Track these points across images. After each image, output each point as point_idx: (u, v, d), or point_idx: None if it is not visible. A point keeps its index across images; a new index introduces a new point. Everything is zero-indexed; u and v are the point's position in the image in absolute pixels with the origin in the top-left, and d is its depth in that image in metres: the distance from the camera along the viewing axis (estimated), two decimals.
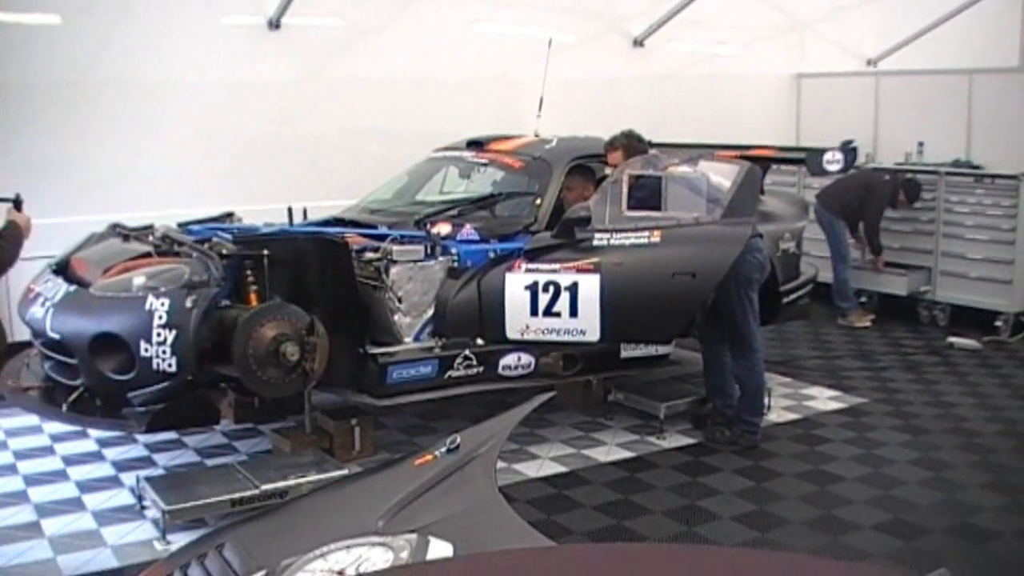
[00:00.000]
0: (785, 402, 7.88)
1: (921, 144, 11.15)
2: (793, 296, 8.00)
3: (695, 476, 6.45)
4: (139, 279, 5.82)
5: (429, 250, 6.52)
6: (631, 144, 7.05)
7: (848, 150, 7.43)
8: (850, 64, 13.40)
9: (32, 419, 7.11)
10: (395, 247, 6.44)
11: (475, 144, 8.00)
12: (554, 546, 2.85)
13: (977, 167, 10.56)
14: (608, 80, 11.44)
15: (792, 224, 8.16)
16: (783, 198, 8.80)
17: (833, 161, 7.35)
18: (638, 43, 11.78)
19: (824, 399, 8.01)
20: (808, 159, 7.59)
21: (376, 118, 10.07)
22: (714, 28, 12.24)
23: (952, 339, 9.70)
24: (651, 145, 7.29)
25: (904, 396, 8.08)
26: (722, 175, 6.89)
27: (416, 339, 6.47)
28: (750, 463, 6.67)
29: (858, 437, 7.17)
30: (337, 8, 9.88)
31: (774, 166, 8.53)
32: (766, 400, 7.33)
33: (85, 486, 6.27)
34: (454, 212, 7.15)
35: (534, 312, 6.41)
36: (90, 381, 5.87)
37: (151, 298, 5.61)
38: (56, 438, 7.04)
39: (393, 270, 6.36)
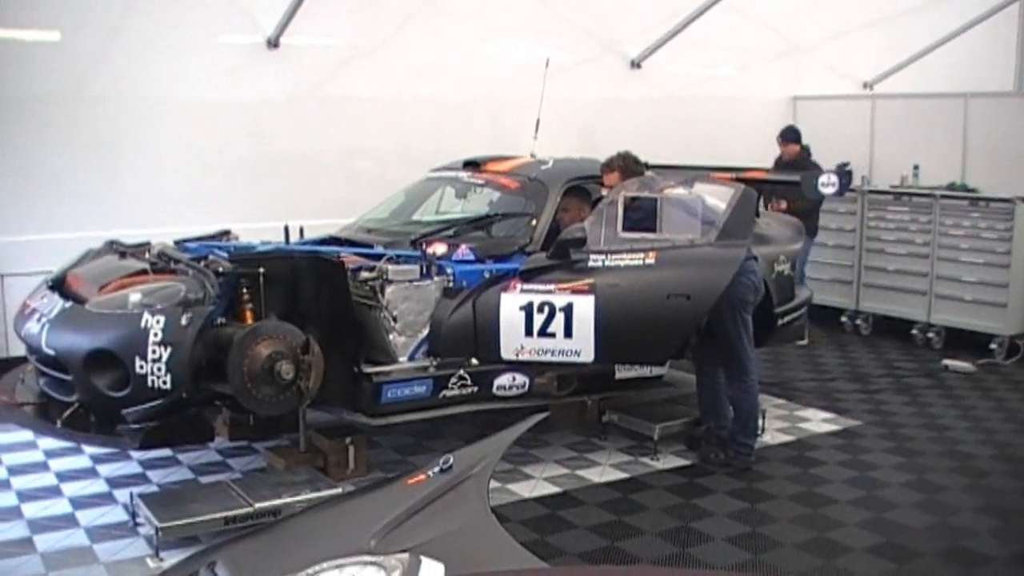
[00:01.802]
0: (779, 424, 7.88)
1: (917, 167, 11.20)
2: (788, 318, 8.01)
3: (689, 497, 6.46)
4: (135, 296, 5.83)
5: (425, 270, 6.53)
6: (627, 166, 7.08)
7: (843, 173, 7.43)
8: (846, 87, 13.48)
9: (26, 434, 7.11)
10: (391, 267, 6.44)
11: (472, 164, 8.02)
12: (546, 567, 2.85)
13: (972, 190, 10.60)
14: (605, 101, 11.48)
15: (787, 246, 8.17)
16: (778, 220, 8.82)
17: (828, 184, 7.37)
18: (635, 65, 11.84)
19: (818, 421, 8.02)
20: (803, 182, 7.61)
21: (373, 137, 10.10)
22: (711, 50, 12.29)
23: (947, 362, 9.71)
24: (647, 167, 7.31)
25: (898, 419, 8.09)
26: (717, 197, 6.92)
27: (411, 358, 6.47)
28: (744, 485, 6.67)
29: (852, 459, 7.17)
30: (335, 28, 9.92)
31: (769, 188, 8.56)
32: (760, 422, 7.34)
33: (79, 502, 6.27)
34: (450, 232, 7.15)
35: (529, 332, 6.43)
36: (85, 397, 5.86)
37: (147, 315, 5.61)
38: (50, 454, 7.03)
39: (388, 289, 6.37)
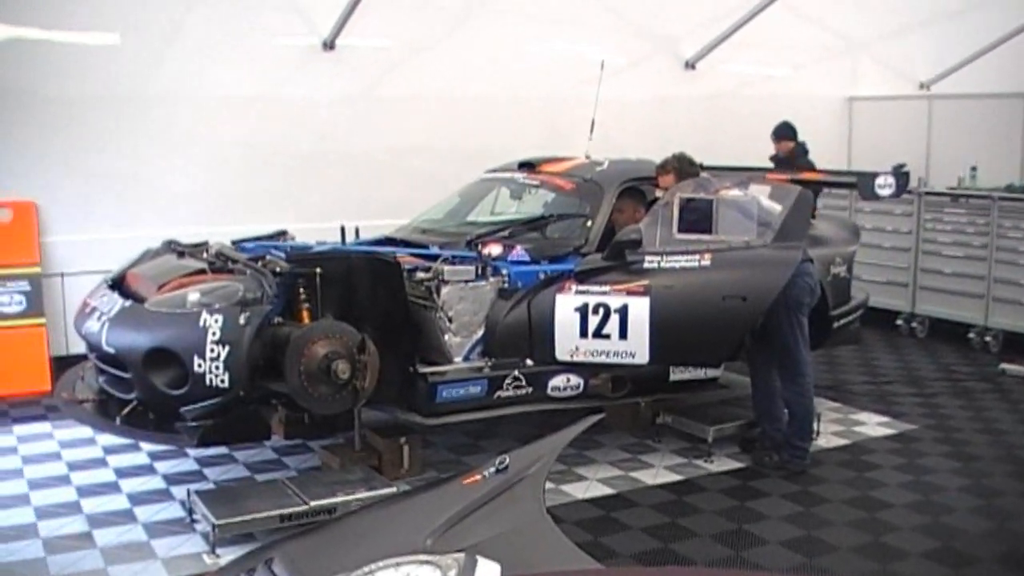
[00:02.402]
0: (834, 427, 7.83)
1: (974, 168, 11.08)
2: (844, 321, 7.96)
3: (743, 500, 6.43)
4: (193, 295, 5.89)
5: (480, 271, 6.55)
6: (682, 167, 7.05)
7: (900, 174, 7.37)
8: (902, 87, 13.35)
9: (86, 431, 7.19)
10: (446, 267, 6.47)
11: (526, 165, 8.03)
12: (601, 568, 2.85)
13: None
14: (659, 102, 11.46)
15: (843, 248, 8.13)
16: (834, 222, 8.77)
17: (885, 185, 7.31)
18: (689, 65, 11.80)
19: (873, 425, 7.96)
20: (860, 183, 7.55)
21: (428, 137, 10.13)
22: (766, 50, 12.22)
23: (1004, 366, 9.60)
24: (702, 168, 7.29)
25: (955, 423, 8.02)
26: (773, 199, 6.89)
27: (466, 359, 6.49)
28: (798, 488, 6.64)
29: (908, 463, 7.12)
30: (390, 29, 9.96)
31: (825, 190, 8.50)
32: (815, 425, 7.29)
33: (136, 498, 6.34)
34: (505, 233, 7.16)
35: (583, 334, 6.43)
36: (143, 395, 5.93)
37: (205, 314, 5.66)
38: (109, 450, 7.12)
39: (444, 290, 6.40)
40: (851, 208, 11.26)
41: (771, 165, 9.54)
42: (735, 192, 6.90)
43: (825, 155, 10.65)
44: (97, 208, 8.79)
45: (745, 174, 7.42)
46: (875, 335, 10.66)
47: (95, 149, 8.75)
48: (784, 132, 10.07)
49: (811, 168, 9.17)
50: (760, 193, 6.94)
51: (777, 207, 6.80)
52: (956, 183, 11.08)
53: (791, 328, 6.81)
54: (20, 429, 7.59)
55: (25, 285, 8.43)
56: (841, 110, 13.02)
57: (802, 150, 9.92)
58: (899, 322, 11.10)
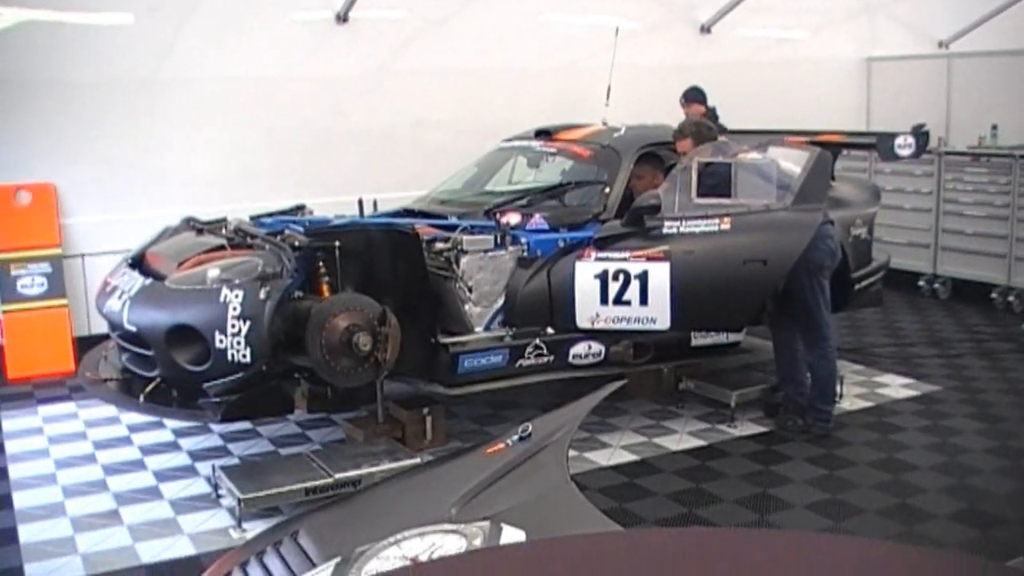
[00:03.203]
0: (857, 390, 7.81)
1: (995, 127, 10.98)
2: (865, 283, 7.93)
3: (767, 464, 6.43)
4: (213, 272, 5.90)
5: (499, 240, 6.55)
6: (700, 132, 7.02)
7: (920, 134, 7.32)
8: (921, 47, 13.22)
9: (110, 410, 7.24)
10: (465, 237, 6.47)
11: (543, 133, 8.00)
12: (627, 531, 2.85)
13: None
14: (676, 67, 11.37)
15: (863, 210, 8.08)
16: (854, 184, 8.71)
17: (905, 146, 7.27)
18: (705, 30, 11.73)
19: (897, 387, 7.93)
20: (879, 144, 7.50)
21: (444, 109, 10.11)
22: (782, 13, 12.13)
23: None
24: (722, 131, 7.24)
25: (979, 384, 7.98)
26: (792, 161, 6.85)
27: (487, 328, 6.49)
28: (822, 451, 6.63)
29: (932, 425, 7.09)
30: (403, 1, 9.92)
31: (844, 151, 8.45)
32: (838, 388, 7.28)
33: (162, 475, 6.37)
34: (523, 202, 7.14)
35: (604, 301, 6.42)
36: (166, 372, 5.96)
37: (225, 290, 5.68)
38: (133, 428, 7.15)
39: (463, 260, 6.40)
40: (871, 169, 11.19)
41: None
42: (753, 155, 6.87)
43: (844, 116, 10.63)
44: (116, 189, 8.82)
45: (764, 137, 7.37)
46: (897, 297, 10.61)
47: (112, 130, 8.76)
48: (694, 96, 9.71)
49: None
50: (779, 156, 6.90)
51: (796, 169, 6.77)
52: (977, 142, 10.99)
53: (812, 291, 6.78)
54: (45, 410, 7.63)
55: (47, 267, 8.48)
56: (859, 71, 12.93)
57: (712, 115, 9.51)
58: (921, 283, 11.04)
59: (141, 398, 6.08)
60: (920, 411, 7.38)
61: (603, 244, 6.52)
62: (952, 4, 13.22)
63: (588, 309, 6.46)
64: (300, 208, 7.57)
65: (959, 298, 10.72)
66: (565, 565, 2.05)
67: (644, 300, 6.37)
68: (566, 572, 2.01)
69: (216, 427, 6.94)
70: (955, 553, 4.91)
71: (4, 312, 8.39)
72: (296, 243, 6.02)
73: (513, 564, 2.13)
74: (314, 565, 2.78)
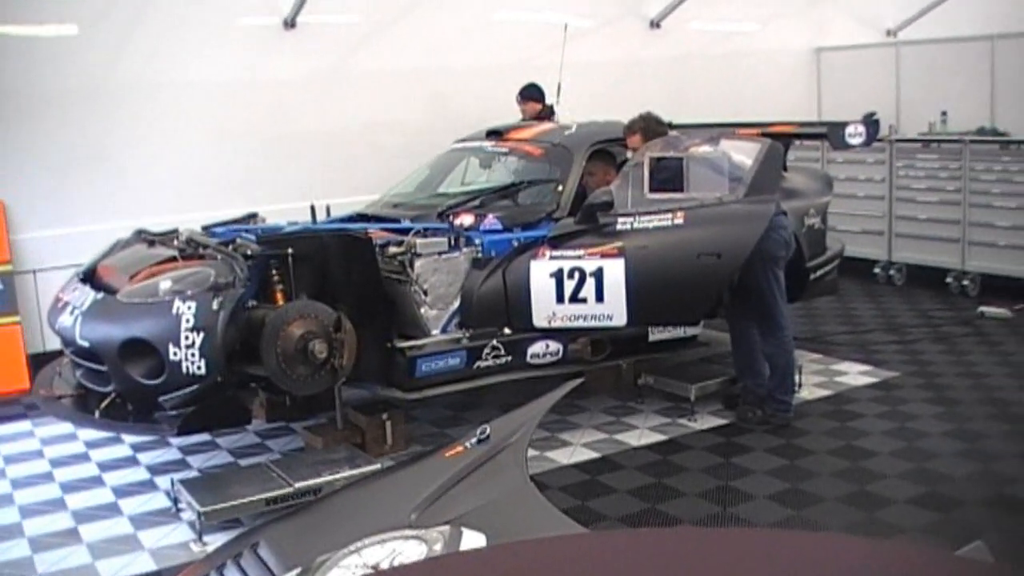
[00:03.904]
0: (816, 379, 7.84)
1: (944, 113, 11.10)
2: (820, 272, 7.96)
3: (728, 457, 6.44)
4: (165, 283, 5.85)
5: (453, 241, 6.52)
6: (649, 127, 7.02)
7: (870, 122, 7.37)
8: (869, 36, 13.33)
9: (66, 427, 7.15)
10: (419, 240, 6.44)
11: (495, 133, 8.00)
12: (588, 533, 2.84)
13: (1002, 134, 10.50)
14: (626, 63, 11.42)
15: (816, 200, 8.12)
16: (806, 174, 8.76)
17: (855, 135, 7.31)
18: (655, 24, 11.75)
19: (855, 374, 7.97)
20: (830, 133, 7.55)
21: (395, 111, 10.08)
22: (731, 5, 12.22)
23: (983, 309, 9.62)
24: (671, 126, 7.26)
25: (936, 368, 8.04)
26: (743, 153, 6.86)
27: (443, 331, 6.47)
28: (782, 442, 6.65)
29: (891, 411, 7.13)
30: (352, 4, 9.90)
31: (796, 142, 8.49)
32: (797, 378, 7.31)
33: (121, 491, 6.31)
34: (476, 202, 7.14)
35: (560, 299, 6.41)
36: (121, 387, 5.90)
37: (178, 302, 5.63)
38: (90, 444, 7.08)
39: (418, 263, 6.37)
40: (823, 159, 11.25)
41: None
42: (705, 148, 6.88)
43: (795, 107, 10.69)
44: (66, 202, 8.72)
45: (715, 130, 7.39)
46: (853, 285, 10.67)
47: (61, 143, 8.67)
48: (531, 94, 9.58)
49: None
50: (730, 148, 6.91)
51: (747, 161, 6.78)
52: (927, 129, 11.11)
53: (768, 282, 6.80)
54: (0, 428, 7.53)
55: None
56: (809, 61, 13.02)
57: (549, 111, 9.49)
58: (876, 270, 11.11)
59: (97, 414, 6.02)
60: (878, 397, 7.42)
61: (557, 242, 6.51)
62: None
63: (544, 308, 6.44)
64: (252, 216, 7.53)
65: (914, 284, 10.79)
66: (525, 570, 2.04)
67: (600, 297, 6.36)
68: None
69: (174, 440, 6.88)
70: (914, 542, 4.95)
71: None
72: (248, 252, 5.98)
73: (473, 570, 2.12)
74: None
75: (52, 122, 8.62)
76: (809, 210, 7.88)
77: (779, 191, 7.02)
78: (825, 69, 12.94)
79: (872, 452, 6.40)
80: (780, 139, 7.21)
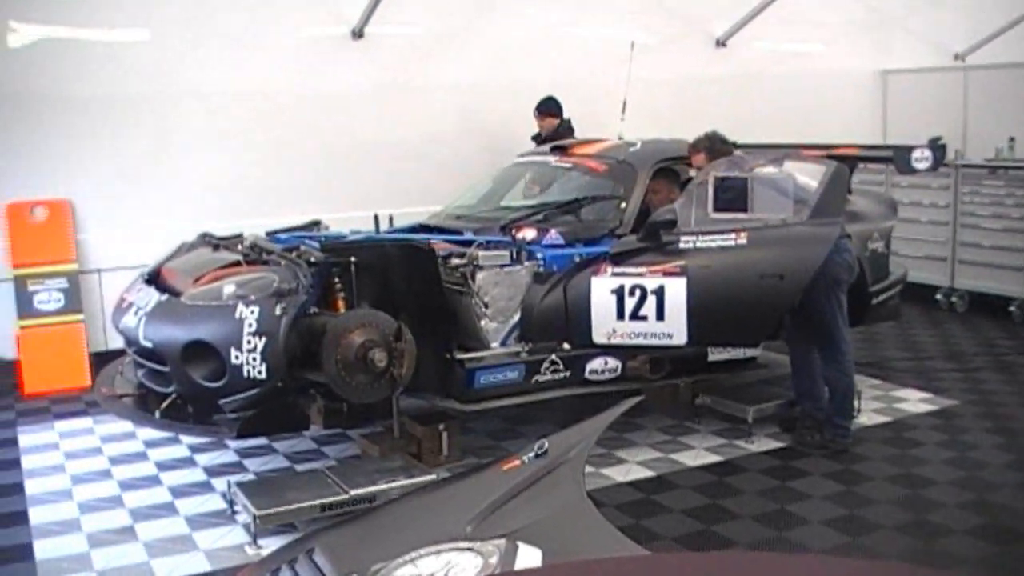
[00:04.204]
0: (875, 404, 7.77)
1: (1012, 139, 10.94)
2: (882, 297, 7.89)
3: (784, 480, 6.39)
4: (229, 287, 5.89)
5: (515, 255, 6.53)
6: (713, 146, 6.99)
7: (936, 147, 7.29)
8: (937, 59, 13.20)
9: (126, 425, 7.22)
10: (481, 252, 6.45)
11: (559, 148, 8.00)
12: (645, 553, 2.83)
13: None
14: (691, 81, 11.39)
15: (880, 224, 8.05)
16: (871, 197, 8.68)
17: (922, 159, 7.24)
18: (720, 43, 11.73)
19: (915, 401, 7.89)
20: (896, 157, 7.47)
21: (459, 124, 10.12)
22: (798, 26, 12.13)
23: None
24: (736, 146, 7.23)
25: (998, 398, 7.93)
26: (808, 175, 6.82)
27: (503, 344, 6.48)
28: (840, 467, 6.58)
29: (950, 440, 7.05)
30: (418, 16, 9.95)
31: (861, 165, 8.42)
32: (856, 403, 7.24)
33: (178, 491, 6.36)
34: (539, 217, 7.14)
35: (620, 316, 6.40)
36: (182, 388, 5.95)
37: (241, 306, 5.67)
38: (149, 444, 7.15)
39: (479, 275, 6.38)
40: (887, 183, 11.16)
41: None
42: (770, 169, 6.84)
43: (859, 129, 10.60)
44: (131, 204, 8.84)
45: (780, 151, 7.35)
46: (914, 310, 10.56)
47: (128, 146, 8.80)
48: (548, 108, 9.64)
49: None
50: (795, 170, 6.87)
51: (813, 183, 6.73)
52: (993, 154, 10.94)
53: (830, 305, 6.75)
54: (61, 425, 7.63)
55: (63, 283, 8.51)
56: (875, 84, 12.91)
57: (567, 127, 9.53)
58: (938, 297, 10.98)
59: (157, 414, 6.06)
60: (938, 426, 7.33)
61: (619, 259, 6.50)
62: (968, 16, 13.21)
63: (604, 324, 6.43)
64: (316, 224, 7.58)
65: (977, 311, 10.67)
66: None
67: (661, 315, 6.35)
68: None
69: (232, 443, 6.94)
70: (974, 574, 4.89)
71: (21, 328, 8.41)
72: (312, 259, 6.01)
73: None
74: None
75: (121, 125, 8.76)
76: (873, 234, 7.82)
77: (843, 214, 6.96)
78: (891, 92, 12.84)
79: (931, 481, 6.32)
80: (845, 161, 7.16)
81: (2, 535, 5.79)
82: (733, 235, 6.44)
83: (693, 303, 6.31)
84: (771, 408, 7.27)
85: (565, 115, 9.63)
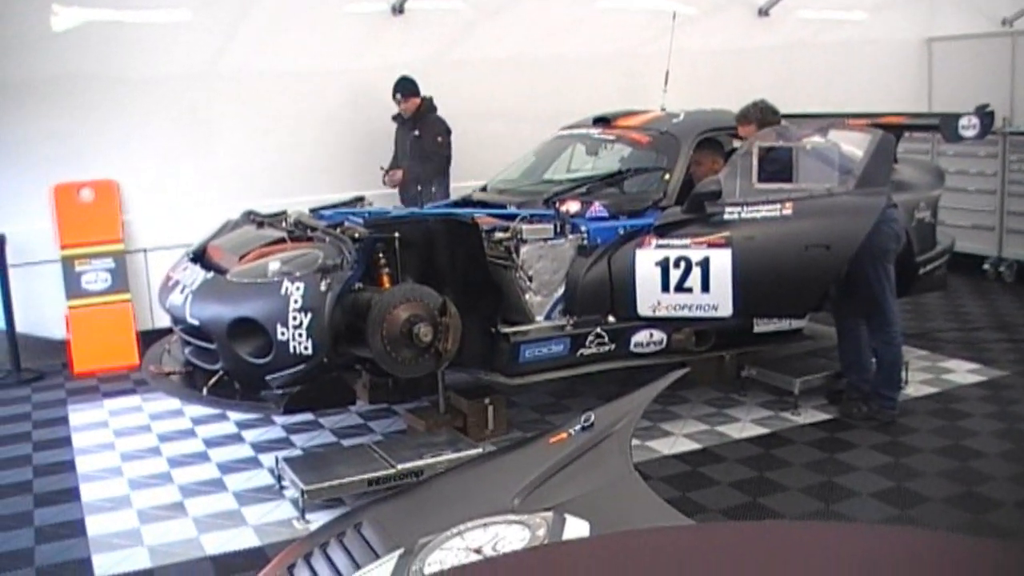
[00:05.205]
0: (923, 376, 7.70)
1: None
2: (929, 267, 7.82)
3: (831, 452, 6.36)
4: (274, 264, 5.92)
5: (558, 228, 6.51)
6: (764, 117, 6.93)
7: (984, 114, 7.21)
8: (984, 25, 13.00)
9: (174, 403, 7.29)
10: (525, 226, 6.44)
11: (602, 121, 7.97)
12: (694, 525, 2.83)
13: None
14: (734, 51, 11.30)
15: (927, 193, 7.97)
16: (917, 166, 8.60)
17: (969, 127, 7.16)
18: (763, 12, 11.61)
19: (963, 372, 7.82)
20: (942, 125, 7.39)
21: (501, 98, 10.08)
22: None
23: None
24: (781, 116, 7.17)
25: None
26: (854, 144, 6.77)
27: (547, 318, 6.47)
28: (888, 439, 6.54)
29: (999, 411, 6.98)
30: None
31: (907, 133, 8.35)
32: (903, 374, 7.19)
33: (226, 467, 6.42)
34: (583, 190, 7.11)
35: (665, 288, 6.38)
36: (229, 365, 5.99)
37: (286, 283, 5.69)
38: (197, 421, 7.21)
39: (523, 249, 6.37)
40: (933, 151, 11.04)
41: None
42: (815, 139, 6.79)
43: (905, 98, 10.48)
44: (176, 184, 8.89)
45: (825, 120, 7.29)
46: (962, 281, 10.46)
47: (172, 126, 8.85)
48: (412, 89, 9.14)
49: (443, 125, 8.98)
50: (841, 139, 6.82)
51: (858, 153, 6.68)
52: None
53: (877, 276, 6.69)
54: (110, 403, 7.71)
55: (110, 262, 8.57)
56: (920, 52, 12.76)
57: (429, 106, 9.19)
58: (986, 267, 10.88)
59: (204, 391, 6.10)
60: (987, 397, 7.27)
61: (664, 231, 6.48)
62: None
63: (649, 297, 6.42)
64: (359, 200, 7.58)
65: None
66: (633, 560, 2.03)
67: (706, 287, 6.32)
68: (635, 567, 1.99)
69: (279, 419, 6.99)
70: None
71: (70, 307, 8.48)
72: (356, 235, 6.01)
73: (580, 559, 2.11)
74: (377, 556, 2.79)
75: (165, 105, 8.80)
76: (919, 203, 7.74)
77: (890, 184, 6.90)
78: (937, 59, 12.69)
79: (980, 452, 6.27)
80: (891, 130, 7.08)
81: (55, 512, 5.86)
82: (778, 206, 6.40)
83: (738, 275, 6.28)
84: (817, 380, 7.24)
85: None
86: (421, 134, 8.91)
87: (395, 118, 9.29)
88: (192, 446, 6.81)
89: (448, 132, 9.04)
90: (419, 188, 8.84)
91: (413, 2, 9.54)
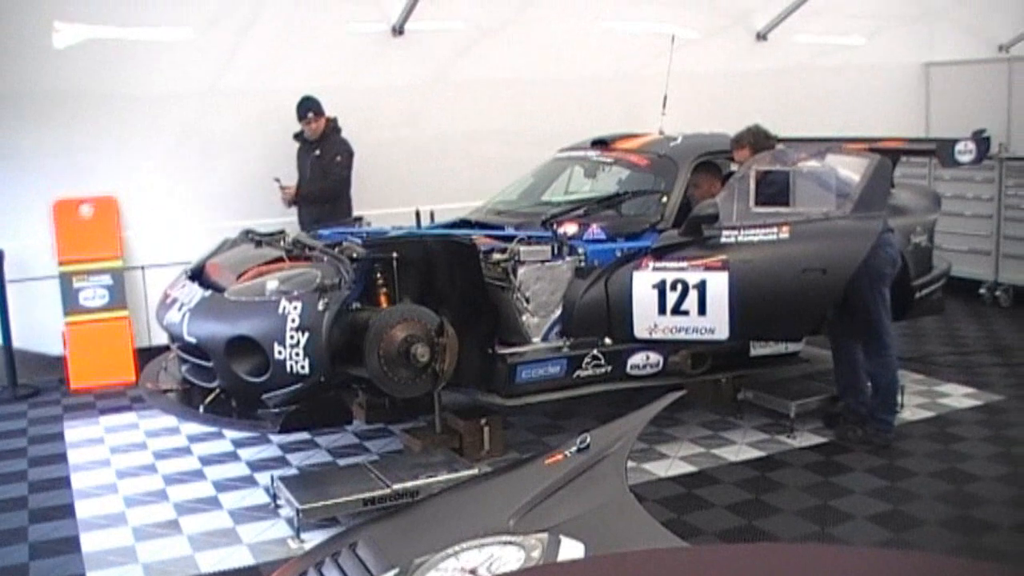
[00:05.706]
0: (919, 399, 7.71)
1: None
2: (926, 291, 7.84)
3: (827, 475, 6.36)
4: (272, 283, 5.93)
5: (556, 250, 6.53)
6: (758, 141, 6.96)
7: (980, 140, 7.23)
8: (981, 51, 13.05)
9: (170, 420, 7.30)
10: (522, 247, 6.46)
11: (600, 143, 7.99)
12: (687, 547, 2.83)
13: None
14: (732, 75, 11.34)
15: (924, 217, 8.00)
16: (914, 190, 8.62)
17: (965, 152, 7.17)
18: (761, 37, 11.65)
19: (959, 396, 7.83)
20: (939, 150, 7.40)
21: (500, 119, 10.11)
22: (839, 18, 12.05)
23: None
24: (777, 140, 7.20)
25: None
26: (851, 168, 6.79)
27: (544, 339, 6.48)
28: (884, 462, 6.55)
29: (995, 435, 6.99)
30: (459, 11, 9.95)
31: (904, 158, 8.37)
32: (899, 397, 7.20)
33: (221, 485, 6.41)
34: (580, 211, 7.13)
35: (662, 311, 6.39)
36: (226, 383, 6.00)
37: (284, 302, 5.71)
38: (193, 438, 7.21)
39: (521, 270, 6.39)
40: (930, 176, 11.07)
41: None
42: (812, 163, 6.81)
43: (902, 122, 10.51)
44: (175, 201, 8.90)
45: (822, 144, 7.31)
46: (958, 305, 10.47)
47: (172, 143, 8.87)
48: (319, 109, 8.82)
49: (345, 146, 8.80)
50: (838, 163, 6.84)
51: (855, 177, 6.70)
52: None
53: (873, 299, 6.71)
54: (107, 419, 7.71)
55: (108, 279, 8.58)
56: (918, 77, 12.80)
57: (334, 127, 8.96)
58: (982, 291, 10.89)
59: (201, 408, 6.13)
60: (983, 421, 7.28)
61: (661, 253, 6.50)
62: (1012, 7, 13.06)
63: (646, 319, 6.43)
64: (358, 219, 7.62)
65: (1021, 305, 10.56)
66: None
67: (702, 310, 6.34)
68: None
69: (275, 437, 6.99)
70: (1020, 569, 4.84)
71: (67, 323, 8.48)
72: (354, 254, 6.04)
73: None
74: None
75: (166, 122, 8.82)
76: (916, 228, 7.77)
77: (886, 208, 6.92)
78: (934, 84, 12.72)
79: (976, 476, 6.28)
80: (888, 155, 7.11)
81: (50, 528, 5.86)
82: (775, 229, 6.42)
83: (735, 297, 6.30)
84: (813, 403, 7.25)
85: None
86: (322, 154, 8.76)
87: (297, 137, 9.02)
88: (188, 464, 6.81)
89: (350, 154, 8.79)
90: (315, 208, 8.68)
91: (413, 23, 9.56)
